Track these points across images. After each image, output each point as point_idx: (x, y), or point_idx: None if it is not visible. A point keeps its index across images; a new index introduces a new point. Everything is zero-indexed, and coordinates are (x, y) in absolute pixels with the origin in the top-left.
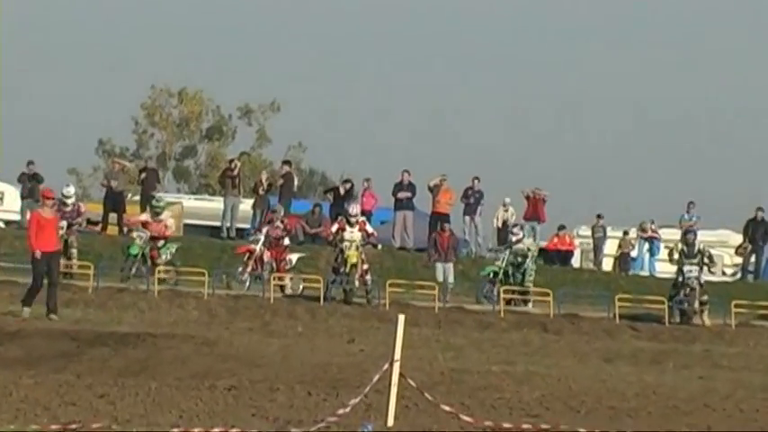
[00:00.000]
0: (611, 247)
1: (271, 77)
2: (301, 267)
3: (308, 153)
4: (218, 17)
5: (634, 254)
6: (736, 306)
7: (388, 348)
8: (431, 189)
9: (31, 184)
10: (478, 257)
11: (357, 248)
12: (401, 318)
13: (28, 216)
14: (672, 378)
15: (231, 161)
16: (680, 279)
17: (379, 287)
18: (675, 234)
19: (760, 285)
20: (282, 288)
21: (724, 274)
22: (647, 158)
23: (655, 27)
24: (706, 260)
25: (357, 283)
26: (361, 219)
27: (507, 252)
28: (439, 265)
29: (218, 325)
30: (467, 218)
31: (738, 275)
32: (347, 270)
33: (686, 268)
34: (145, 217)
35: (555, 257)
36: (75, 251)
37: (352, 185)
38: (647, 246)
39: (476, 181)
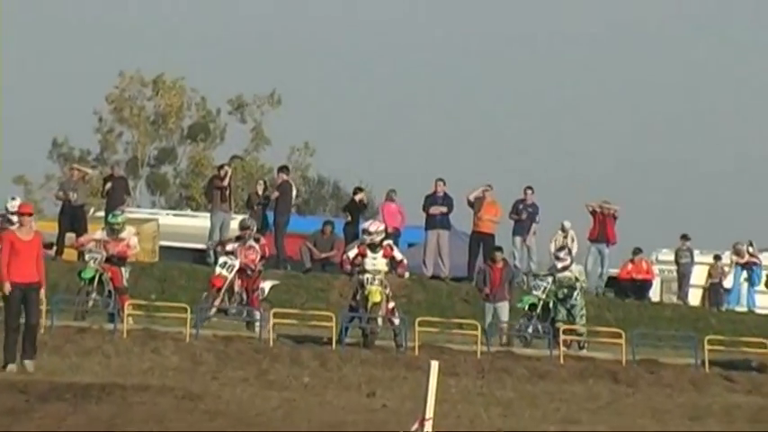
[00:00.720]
0: (699, 276)
1: (269, 63)
2: (271, 299)
3: (317, 157)
4: None
5: (728, 284)
6: None
7: (417, 404)
8: (471, 204)
9: None
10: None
11: (381, 282)
12: (434, 365)
13: None
14: None
15: (220, 167)
16: None
17: (407, 326)
18: None
19: None
20: (248, 326)
21: None
22: (744, 164)
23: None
24: None
25: (380, 322)
26: (388, 242)
27: (550, 281)
28: (489, 306)
29: (204, 374)
30: (517, 239)
31: None
32: (368, 309)
33: None
34: (99, 235)
35: (629, 289)
36: None
37: (362, 191)
38: (744, 274)
39: (528, 192)
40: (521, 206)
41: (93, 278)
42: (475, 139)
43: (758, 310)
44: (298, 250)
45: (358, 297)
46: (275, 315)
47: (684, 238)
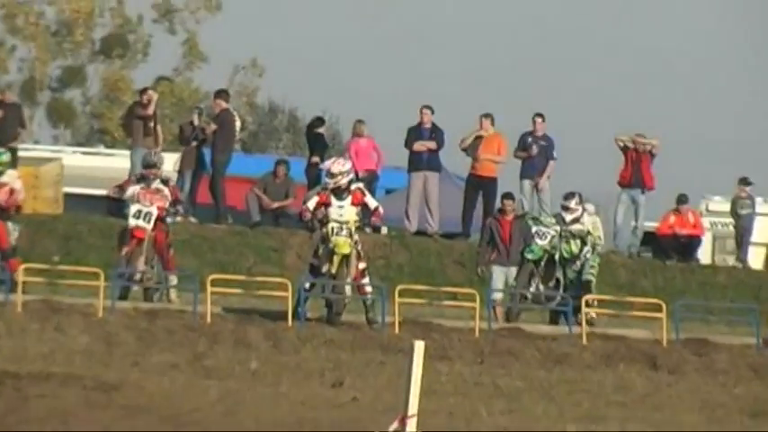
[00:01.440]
0: (762, 232)
1: None
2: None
3: (267, 79)
4: None
5: None
6: None
7: (397, 397)
8: (466, 150)
9: None
10: None
11: (350, 234)
12: (419, 346)
13: None
14: None
15: (143, 92)
16: None
17: (385, 297)
18: None
19: None
20: (163, 297)
21: None
22: None
23: None
24: None
25: (349, 290)
26: (357, 185)
27: (556, 230)
28: (499, 271)
29: (122, 358)
30: (526, 183)
31: None
32: (333, 270)
33: None
34: None
35: (671, 248)
36: None
37: (323, 123)
38: None
39: (538, 121)
40: (529, 139)
41: None
42: (469, 53)
43: None
44: (243, 198)
45: (320, 253)
46: (213, 283)
47: (744, 182)
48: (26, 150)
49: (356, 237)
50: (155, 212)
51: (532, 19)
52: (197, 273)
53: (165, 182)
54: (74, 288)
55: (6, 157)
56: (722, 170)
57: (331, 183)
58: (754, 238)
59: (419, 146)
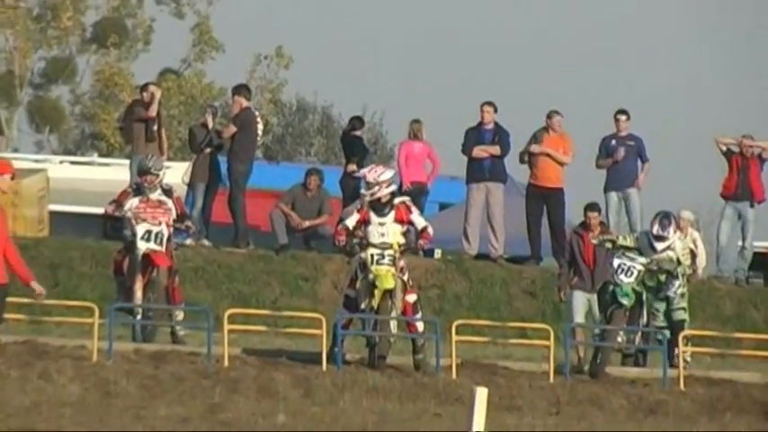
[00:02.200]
0: None
1: None
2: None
3: (296, 71)
4: None
5: None
6: None
7: None
8: (527, 160)
9: None
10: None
11: (394, 262)
12: (481, 394)
13: None
14: None
15: (144, 88)
16: None
17: (439, 334)
18: None
19: None
20: (173, 335)
21: None
22: None
23: None
24: None
25: (394, 326)
26: (402, 199)
27: (643, 263)
28: (581, 298)
29: (123, 412)
30: (612, 195)
31: None
32: (375, 304)
33: None
34: None
35: None
36: None
37: (363, 123)
38: None
39: (622, 119)
40: (613, 142)
41: None
42: (536, 42)
43: None
44: (267, 216)
45: (359, 285)
46: (231, 319)
47: None
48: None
49: (402, 263)
50: (166, 232)
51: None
52: (211, 307)
53: (168, 192)
54: (63, 326)
55: None
56: None
57: (367, 194)
58: None
59: (479, 151)
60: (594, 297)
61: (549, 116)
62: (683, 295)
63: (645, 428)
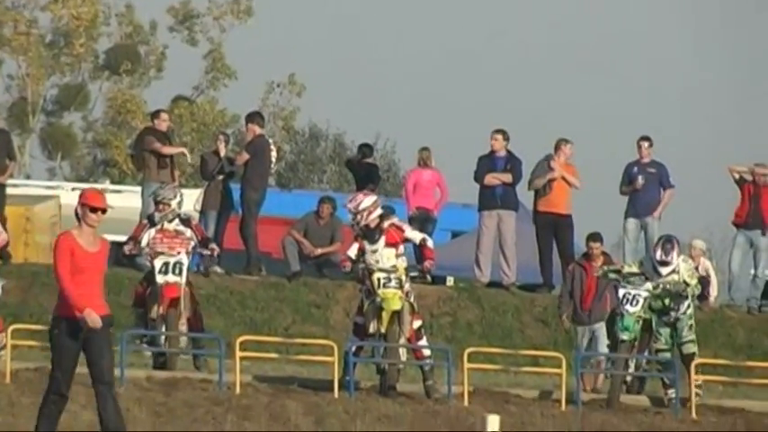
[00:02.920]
0: None
1: None
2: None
3: (308, 98)
4: None
5: None
6: None
7: None
8: (539, 185)
9: None
10: None
11: (401, 285)
12: (493, 422)
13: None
14: None
15: (156, 114)
16: None
17: (451, 362)
18: None
19: None
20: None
21: None
22: None
23: None
24: None
25: (404, 354)
26: (390, 221)
27: (648, 289)
28: (584, 331)
29: None
30: (631, 221)
31: None
32: (383, 329)
33: None
34: None
35: None
36: None
37: (372, 150)
38: None
39: (644, 145)
40: (635, 169)
41: None
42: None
43: None
44: (279, 244)
45: (366, 309)
46: (243, 346)
47: None
48: (16, 187)
49: (407, 286)
50: (185, 261)
51: (621, 27)
52: (223, 334)
53: (186, 221)
54: None
55: None
56: None
57: (354, 224)
58: None
59: (491, 179)
60: (599, 327)
61: (558, 144)
62: (691, 327)
63: None
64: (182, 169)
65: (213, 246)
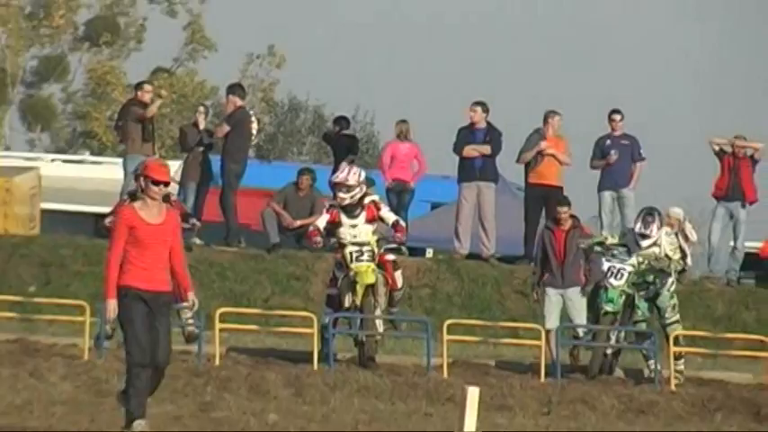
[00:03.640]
0: None
1: None
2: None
3: (288, 71)
4: None
5: None
6: None
7: None
8: (528, 159)
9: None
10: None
11: (373, 257)
12: (472, 393)
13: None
14: None
15: (139, 86)
16: None
17: (430, 333)
18: None
19: None
20: (186, 334)
21: None
22: None
23: None
24: None
25: (380, 325)
26: (371, 198)
27: (633, 264)
28: (552, 295)
29: (114, 411)
30: (606, 194)
31: None
32: (357, 301)
33: None
34: None
35: None
36: None
37: (348, 123)
38: None
39: (616, 118)
40: (607, 142)
41: None
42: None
43: None
44: (258, 215)
45: (340, 283)
46: (223, 318)
47: None
48: None
49: (390, 256)
50: None
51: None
52: (203, 306)
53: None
54: (54, 325)
55: None
56: None
57: (347, 198)
58: None
59: (470, 150)
60: (568, 293)
61: (546, 117)
62: (674, 307)
63: (636, 428)
64: (162, 141)
65: (194, 221)
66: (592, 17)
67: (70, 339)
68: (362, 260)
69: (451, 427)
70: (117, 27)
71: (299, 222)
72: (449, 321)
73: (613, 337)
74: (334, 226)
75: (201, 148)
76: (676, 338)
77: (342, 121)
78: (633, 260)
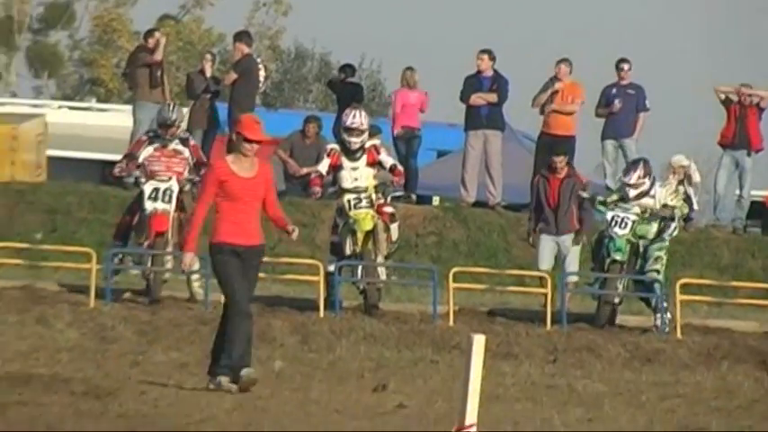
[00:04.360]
0: None
1: None
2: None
3: (295, 17)
4: None
5: None
6: None
7: (451, 403)
8: (542, 107)
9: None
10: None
11: (371, 204)
12: (478, 341)
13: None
14: None
15: (148, 34)
16: None
17: (437, 281)
18: None
19: None
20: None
21: None
22: None
23: None
24: None
25: (383, 273)
26: (372, 143)
27: (637, 213)
28: (546, 240)
29: (119, 358)
30: (608, 143)
31: None
32: (358, 248)
33: None
34: None
35: None
36: None
37: (354, 71)
38: None
39: (624, 68)
40: (613, 91)
41: None
42: None
43: None
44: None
45: (340, 231)
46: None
47: None
48: (2, 105)
49: (389, 209)
50: (175, 188)
51: None
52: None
53: (185, 141)
54: (60, 272)
55: None
56: None
57: (358, 142)
58: None
59: (477, 99)
60: (562, 239)
61: (556, 65)
62: (657, 259)
63: (642, 376)
64: (169, 88)
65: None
66: None
67: (73, 285)
68: (361, 207)
69: (458, 374)
70: None
71: (305, 170)
72: (455, 269)
73: (620, 286)
74: (335, 169)
75: (208, 96)
76: (652, 286)
77: (347, 68)
78: (637, 209)
